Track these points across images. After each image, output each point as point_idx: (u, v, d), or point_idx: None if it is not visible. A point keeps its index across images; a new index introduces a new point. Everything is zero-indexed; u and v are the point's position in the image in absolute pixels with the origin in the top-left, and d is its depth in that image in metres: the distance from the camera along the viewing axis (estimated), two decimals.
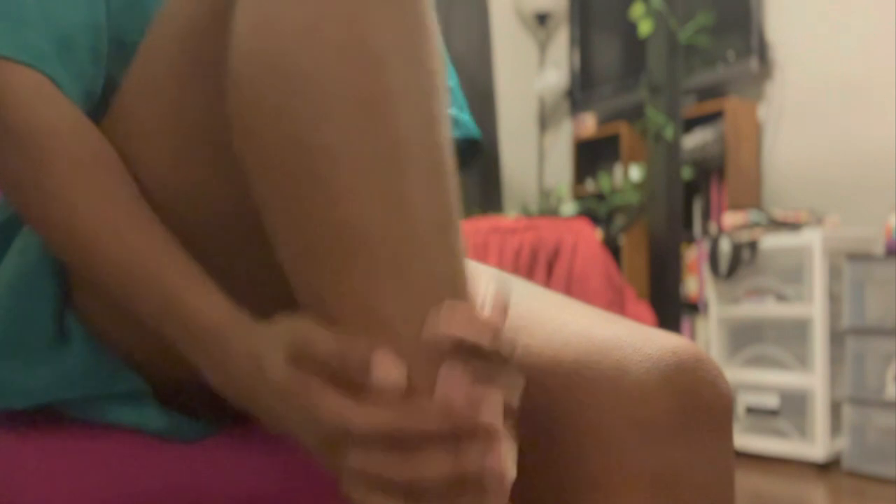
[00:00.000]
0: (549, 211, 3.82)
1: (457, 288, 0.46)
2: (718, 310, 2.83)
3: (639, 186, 3.21)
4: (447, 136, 0.47)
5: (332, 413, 0.43)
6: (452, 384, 0.42)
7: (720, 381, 0.56)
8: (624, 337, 0.56)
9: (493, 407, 0.43)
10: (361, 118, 0.44)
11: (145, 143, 0.55)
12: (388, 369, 0.42)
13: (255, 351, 0.47)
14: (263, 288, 0.56)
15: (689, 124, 3.28)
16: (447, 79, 0.49)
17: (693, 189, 3.34)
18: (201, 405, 0.62)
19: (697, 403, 0.54)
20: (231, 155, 0.50)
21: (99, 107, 0.61)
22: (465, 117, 0.76)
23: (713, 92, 3.32)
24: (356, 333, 0.44)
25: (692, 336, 3.17)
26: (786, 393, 2.67)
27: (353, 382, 0.43)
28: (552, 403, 0.55)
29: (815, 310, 2.57)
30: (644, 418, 0.53)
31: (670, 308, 2.75)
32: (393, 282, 0.44)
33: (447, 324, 0.43)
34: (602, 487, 0.53)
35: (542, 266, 2.44)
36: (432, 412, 0.42)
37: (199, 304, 0.50)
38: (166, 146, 0.54)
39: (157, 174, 0.55)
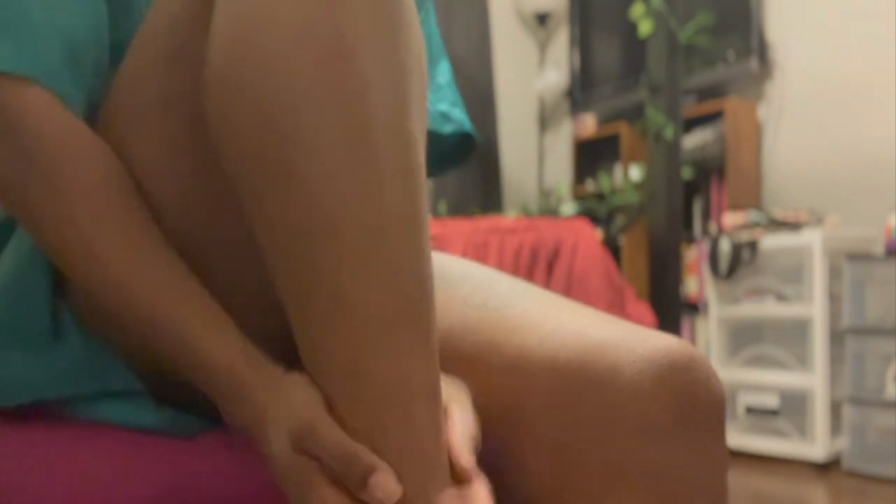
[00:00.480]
0: (549, 211, 3.82)
1: (421, 282, 0.47)
2: (718, 310, 2.83)
3: (639, 186, 3.21)
4: (420, 137, 0.48)
5: None
6: None
7: (713, 381, 0.55)
8: (618, 337, 0.56)
9: None
10: (333, 108, 0.45)
11: (135, 135, 0.55)
12: (386, 488, 0.44)
13: (263, 416, 0.49)
14: (262, 295, 0.56)
15: (689, 124, 3.28)
16: (425, 76, 0.50)
17: (693, 189, 3.34)
18: (196, 402, 0.62)
19: (691, 403, 0.54)
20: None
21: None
22: (458, 113, 0.76)
23: (713, 92, 3.32)
24: (323, 320, 0.46)
25: (692, 336, 3.17)
26: (786, 393, 2.67)
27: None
28: (548, 403, 0.55)
29: (815, 310, 2.57)
30: (638, 418, 0.53)
31: (670, 308, 2.75)
32: (360, 270, 0.45)
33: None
34: (598, 488, 0.53)
35: (542, 266, 2.44)
36: None
37: (213, 344, 0.51)
38: (155, 137, 0.54)
39: (148, 169, 0.55)
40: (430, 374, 0.48)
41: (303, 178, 0.45)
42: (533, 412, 0.56)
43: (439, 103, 0.76)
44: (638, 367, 0.54)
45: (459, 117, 0.76)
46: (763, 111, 3.24)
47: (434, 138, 0.76)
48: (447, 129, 0.75)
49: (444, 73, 0.79)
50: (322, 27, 0.45)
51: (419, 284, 0.47)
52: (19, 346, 0.57)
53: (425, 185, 0.49)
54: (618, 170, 3.68)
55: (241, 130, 0.46)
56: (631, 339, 0.56)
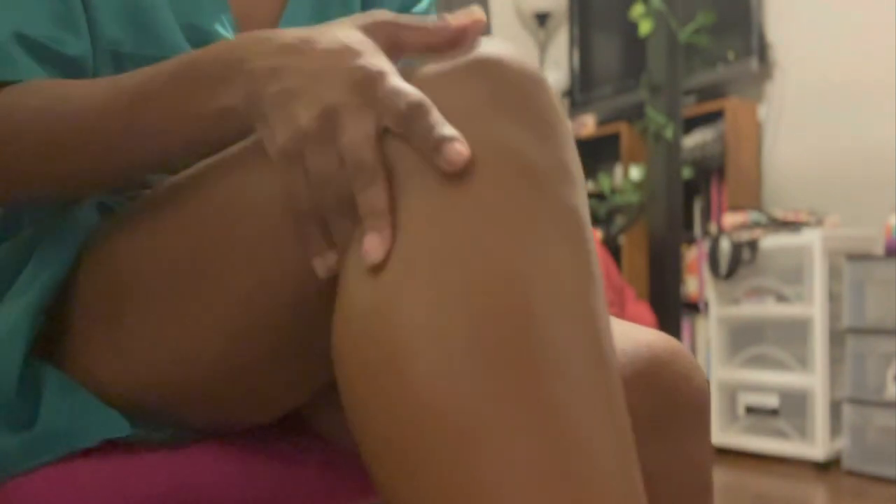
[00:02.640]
0: None
1: None
2: (718, 310, 2.83)
3: (639, 186, 3.21)
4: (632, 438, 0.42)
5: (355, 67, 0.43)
6: None
7: (696, 375, 0.54)
8: None
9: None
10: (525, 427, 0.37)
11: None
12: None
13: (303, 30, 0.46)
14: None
15: (689, 124, 3.28)
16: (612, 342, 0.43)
17: (693, 189, 3.34)
18: (195, 422, 0.61)
19: (672, 398, 0.53)
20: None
21: None
22: None
23: (713, 92, 3.32)
24: None
25: (692, 336, 3.17)
26: (786, 393, 2.67)
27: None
28: None
29: (815, 310, 2.57)
30: None
31: (670, 308, 2.75)
32: None
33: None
34: None
35: None
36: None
37: (173, 60, 0.50)
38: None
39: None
40: None
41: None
42: None
43: None
44: (619, 363, 0.53)
45: None
46: (763, 111, 3.24)
47: None
48: None
49: None
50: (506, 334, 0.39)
51: None
52: None
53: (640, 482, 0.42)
54: (618, 170, 3.68)
55: (372, 411, 0.40)
56: (613, 335, 0.55)
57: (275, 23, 0.72)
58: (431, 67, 0.44)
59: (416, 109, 0.41)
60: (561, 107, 0.45)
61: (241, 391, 0.55)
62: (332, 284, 0.47)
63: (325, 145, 0.43)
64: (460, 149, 0.40)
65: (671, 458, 0.53)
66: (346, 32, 0.45)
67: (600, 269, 0.43)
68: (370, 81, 0.42)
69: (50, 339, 0.60)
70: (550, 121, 0.43)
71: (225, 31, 0.68)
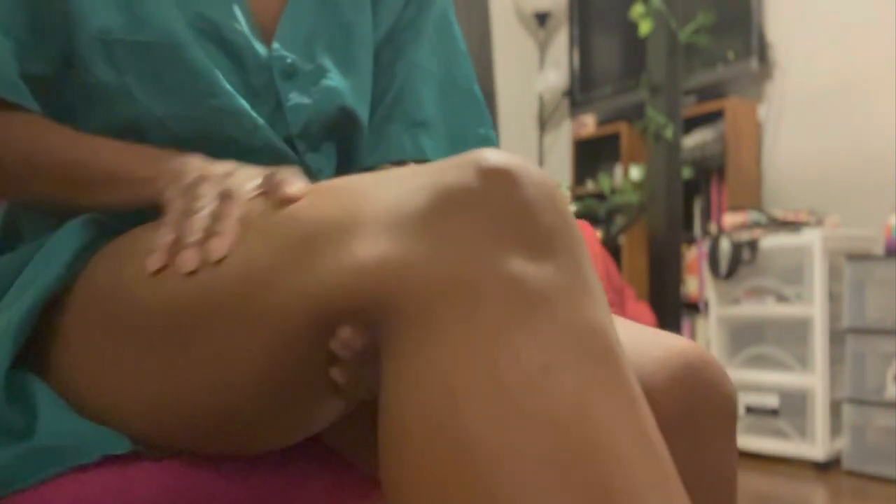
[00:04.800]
0: None
1: None
2: (718, 310, 2.83)
3: (639, 186, 3.21)
4: None
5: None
6: None
7: (725, 383, 0.56)
8: (631, 339, 0.56)
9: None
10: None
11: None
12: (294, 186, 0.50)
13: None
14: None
15: (689, 124, 3.27)
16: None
17: (693, 189, 3.34)
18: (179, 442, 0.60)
19: (703, 405, 0.54)
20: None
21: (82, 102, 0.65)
22: (494, 137, 0.79)
23: (713, 92, 3.32)
24: None
25: (692, 336, 3.17)
26: (786, 393, 2.67)
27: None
28: None
29: (815, 310, 2.57)
30: None
31: (670, 308, 2.75)
32: None
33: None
34: None
35: None
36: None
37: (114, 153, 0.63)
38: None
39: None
40: None
41: None
42: None
43: (481, 127, 0.79)
44: (651, 369, 0.54)
45: (495, 141, 0.79)
46: (763, 111, 3.24)
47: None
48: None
49: (472, 80, 0.82)
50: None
51: None
52: None
53: None
54: (618, 170, 3.68)
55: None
56: (644, 341, 0.56)
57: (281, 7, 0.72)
58: (435, 182, 0.44)
59: (282, 176, 0.52)
60: (571, 215, 0.45)
61: (227, 435, 0.55)
62: (323, 361, 0.48)
63: (216, 185, 0.54)
64: (288, 191, 0.50)
65: (700, 462, 0.54)
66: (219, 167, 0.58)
67: (630, 373, 0.43)
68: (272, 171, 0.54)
69: (40, 353, 0.60)
70: (559, 236, 0.43)
71: (236, 22, 0.67)
